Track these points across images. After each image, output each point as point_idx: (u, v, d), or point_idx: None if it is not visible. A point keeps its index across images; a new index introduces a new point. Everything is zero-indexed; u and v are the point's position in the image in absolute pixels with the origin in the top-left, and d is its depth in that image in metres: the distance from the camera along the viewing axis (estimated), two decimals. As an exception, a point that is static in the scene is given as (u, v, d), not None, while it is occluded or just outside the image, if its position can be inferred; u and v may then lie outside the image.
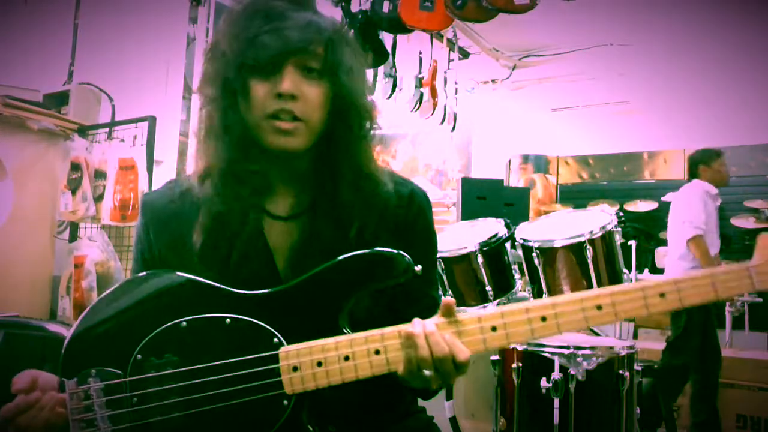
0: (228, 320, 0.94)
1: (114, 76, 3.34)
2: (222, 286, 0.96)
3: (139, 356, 0.92)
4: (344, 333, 0.93)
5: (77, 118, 3.16)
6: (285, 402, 0.91)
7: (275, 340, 0.93)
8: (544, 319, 0.91)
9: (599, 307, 0.92)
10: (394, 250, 0.95)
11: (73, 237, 3.16)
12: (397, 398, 1.12)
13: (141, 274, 1.02)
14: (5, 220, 2.88)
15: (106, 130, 3.14)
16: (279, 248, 1.05)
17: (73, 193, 3.03)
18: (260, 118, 1.00)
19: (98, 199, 3.01)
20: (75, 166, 3.05)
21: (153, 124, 2.98)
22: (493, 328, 0.91)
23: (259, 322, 0.93)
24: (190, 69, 3.81)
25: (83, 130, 3.16)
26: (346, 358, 0.91)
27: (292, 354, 0.91)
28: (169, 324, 0.93)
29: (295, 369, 0.91)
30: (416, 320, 0.90)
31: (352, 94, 1.04)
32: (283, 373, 0.91)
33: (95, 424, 0.91)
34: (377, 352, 0.91)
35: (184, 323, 0.93)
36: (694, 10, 4.61)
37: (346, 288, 0.95)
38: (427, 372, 0.89)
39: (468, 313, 0.93)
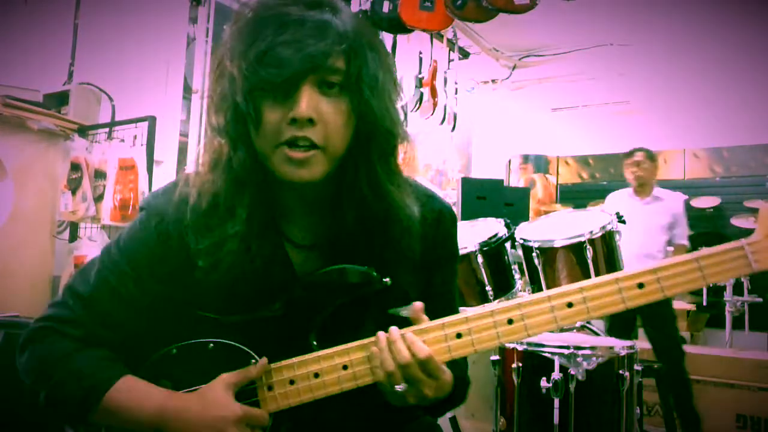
0: (211, 345, 0.97)
1: (114, 76, 3.34)
2: (206, 314, 0.98)
3: None
4: (314, 350, 0.94)
5: (77, 118, 3.15)
6: None
7: (253, 361, 0.95)
8: (510, 321, 0.87)
9: (570, 305, 0.85)
10: (353, 266, 0.94)
11: (73, 237, 3.17)
12: (388, 415, 1.10)
13: None
14: (5, 220, 2.88)
15: (106, 130, 3.14)
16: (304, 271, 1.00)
17: (73, 193, 3.03)
18: (272, 147, 0.89)
19: (98, 199, 3.01)
20: (75, 166, 3.06)
21: (153, 124, 2.98)
22: (458, 335, 0.89)
23: (238, 345, 0.96)
24: (190, 69, 3.81)
25: (83, 130, 3.16)
26: (316, 375, 0.92)
27: (266, 373, 0.94)
28: (162, 352, 0.98)
29: (270, 388, 0.94)
30: (380, 333, 0.90)
31: (376, 113, 0.91)
32: (260, 393, 0.94)
33: None
34: (345, 367, 0.92)
35: (174, 350, 0.98)
36: (694, 10, 4.61)
37: (316, 306, 0.96)
38: (399, 387, 0.87)
39: (434, 322, 0.91)
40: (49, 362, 0.94)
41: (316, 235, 1.01)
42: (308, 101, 0.86)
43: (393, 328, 0.90)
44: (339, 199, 0.96)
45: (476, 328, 0.88)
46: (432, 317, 1.01)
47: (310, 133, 0.87)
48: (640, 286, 0.83)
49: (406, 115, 1.03)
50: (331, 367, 0.92)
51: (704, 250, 0.82)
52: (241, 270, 0.93)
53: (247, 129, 0.90)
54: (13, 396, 0.98)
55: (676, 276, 0.82)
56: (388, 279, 0.94)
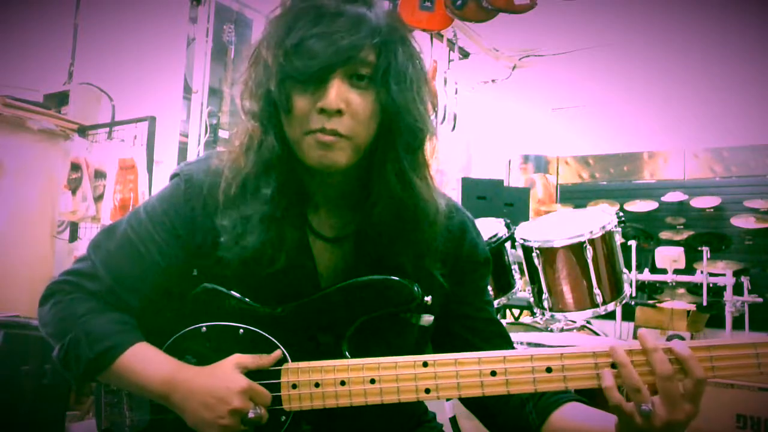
0: (241, 331, 0.96)
1: (114, 76, 3.34)
2: (243, 298, 0.97)
3: None
4: (345, 357, 0.93)
5: (77, 118, 3.16)
6: (283, 418, 0.93)
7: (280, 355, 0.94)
8: (549, 370, 0.86)
9: (613, 366, 0.84)
10: (405, 280, 0.94)
11: (73, 237, 3.17)
12: (410, 416, 1.11)
13: None
14: (5, 220, 2.88)
15: (106, 130, 3.14)
16: (325, 269, 1.00)
17: (73, 193, 3.03)
18: (301, 134, 0.91)
19: (98, 199, 3.01)
20: (75, 166, 3.06)
21: (153, 124, 2.99)
22: (493, 373, 0.88)
23: (269, 336, 0.95)
24: (190, 69, 3.81)
25: (83, 130, 3.16)
26: (342, 383, 0.91)
27: (293, 371, 0.93)
28: (191, 327, 0.97)
29: (294, 386, 0.92)
30: (643, 332, 0.86)
31: (402, 108, 0.92)
32: (283, 389, 0.93)
33: (122, 412, 0.99)
34: (372, 381, 0.90)
35: (204, 329, 0.96)
36: (695, 9, 4.61)
37: (352, 312, 0.95)
38: (645, 407, 0.80)
39: (469, 354, 0.90)
40: (68, 319, 0.95)
41: (342, 228, 1.01)
42: (337, 92, 0.88)
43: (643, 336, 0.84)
44: (367, 192, 0.96)
45: (512, 370, 0.87)
46: (480, 329, 1.06)
47: (337, 123, 0.89)
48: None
49: (436, 111, 1.03)
50: (359, 379, 0.91)
51: (765, 337, 0.79)
52: (262, 253, 0.93)
53: (279, 116, 0.92)
54: (13, 396, 0.98)
55: (730, 358, 0.81)
56: (429, 298, 0.95)
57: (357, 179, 0.97)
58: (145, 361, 0.93)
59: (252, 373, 0.92)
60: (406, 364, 0.90)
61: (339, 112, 0.88)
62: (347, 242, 1.00)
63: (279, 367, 0.93)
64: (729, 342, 0.80)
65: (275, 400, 0.92)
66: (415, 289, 0.94)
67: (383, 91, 0.91)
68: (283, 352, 0.94)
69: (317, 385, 0.91)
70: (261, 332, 0.95)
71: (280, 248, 0.94)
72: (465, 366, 0.89)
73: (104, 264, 0.98)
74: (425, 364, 0.90)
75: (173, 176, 1.04)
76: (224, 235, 0.94)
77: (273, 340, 0.95)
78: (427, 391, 0.89)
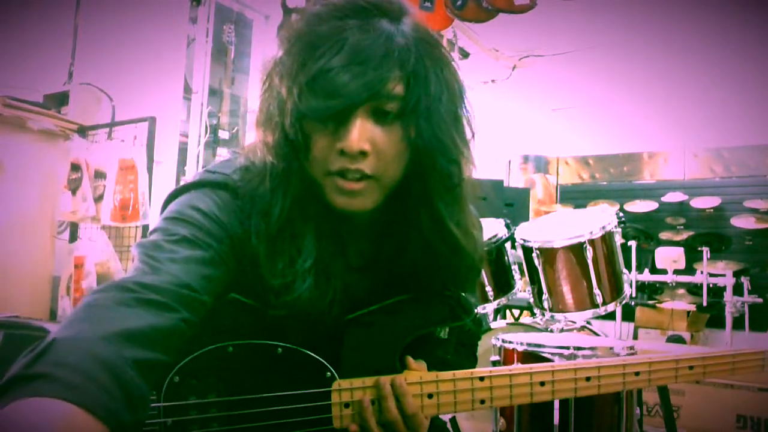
0: (280, 349, 0.87)
1: (114, 76, 3.34)
2: (277, 314, 0.87)
3: (176, 378, 0.82)
4: (399, 372, 0.91)
5: (77, 118, 3.16)
6: None
7: (328, 374, 0.88)
8: (588, 379, 0.98)
9: (636, 373, 1.01)
10: (462, 294, 0.96)
11: (73, 237, 3.16)
12: None
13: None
14: (5, 220, 2.88)
15: (106, 130, 3.14)
16: (347, 295, 0.92)
17: (73, 193, 3.03)
18: (322, 174, 0.82)
19: (98, 199, 3.01)
20: (75, 167, 3.06)
21: (153, 124, 2.98)
22: (542, 383, 0.96)
23: (313, 355, 0.88)
24: (190, 69, 3.81)
25: (83, 131, 3.16)
26: (398, 399, 0.88)
27: (345, 389, 0.88)
28: (212, 347, 0.85)
29: (346, 405, 0.88)
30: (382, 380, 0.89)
31: (434, 148, 0.83)
32: (334, 409, 0.88)
33: None
34: (430, 396, 0.90)
35: (231, 348, 0.86)
36: (695, 9, 4.61)
37: (408, 327, 0.93)
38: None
39: (521, 367, 0.96)
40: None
41: (367, 256, 0.95)
42: (360, 133, 0.79)
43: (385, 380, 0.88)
44: (397, 226, 0.90)
45: (558, 380, 0.97)
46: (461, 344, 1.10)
47: (362, 165, 0.80)
48: (691, 368, 1.03)
49: (473, 132, 0.95)
50: (417, 395, 0.90)
51: (738, 351, 1.06)
52: (314, 298, 0.84)
53: (297, 152, 0.83)
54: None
55: (716, 365, 1.04)
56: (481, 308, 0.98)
57: (388, 212, 0.90)
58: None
59: (297, 396, 0.86)
60: (464, 378, 0.92)
61: (363, 154, 0.80)
62: (374, 271, 0.94)
63: (329, 389, 0.88)
64: (715, 353, 1.04)
65: (325, 420, 0.87)
66: (474, 301, 0.97)
67: (413, 128, 0.82)
68: (329, 369, 0.88)
69: (372, 402, 0.88)
70: (304, 351, 0.87)
71: (327, 288, 0.85)
72: (518, 379, 0.95)
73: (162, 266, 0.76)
74: (482, 379, 0.93)
75: (205, 183, 0.87)
76: (271, 279, 0.83)
77: (319, 359, 0.88)
78: (482, 402, 0.93)
